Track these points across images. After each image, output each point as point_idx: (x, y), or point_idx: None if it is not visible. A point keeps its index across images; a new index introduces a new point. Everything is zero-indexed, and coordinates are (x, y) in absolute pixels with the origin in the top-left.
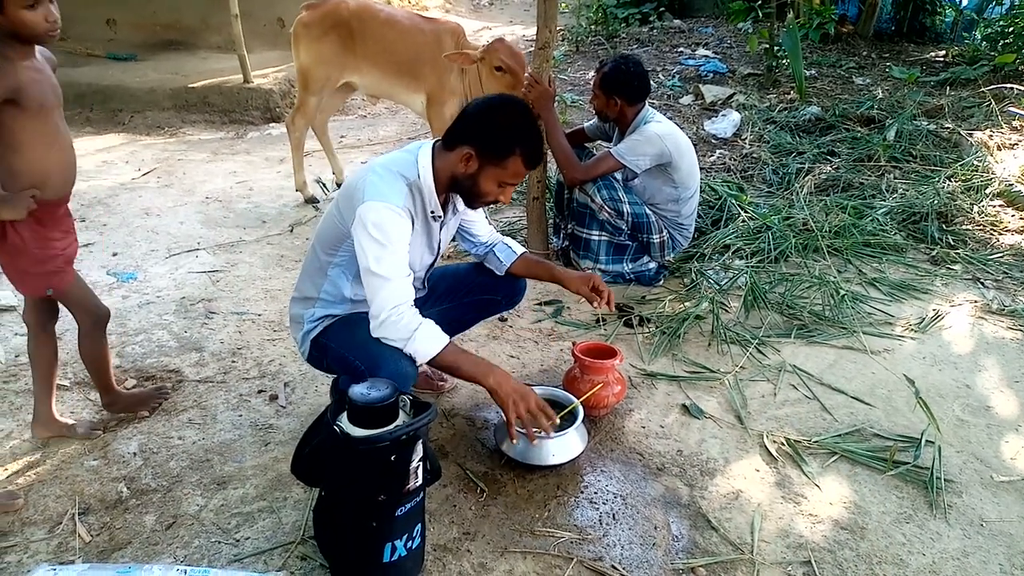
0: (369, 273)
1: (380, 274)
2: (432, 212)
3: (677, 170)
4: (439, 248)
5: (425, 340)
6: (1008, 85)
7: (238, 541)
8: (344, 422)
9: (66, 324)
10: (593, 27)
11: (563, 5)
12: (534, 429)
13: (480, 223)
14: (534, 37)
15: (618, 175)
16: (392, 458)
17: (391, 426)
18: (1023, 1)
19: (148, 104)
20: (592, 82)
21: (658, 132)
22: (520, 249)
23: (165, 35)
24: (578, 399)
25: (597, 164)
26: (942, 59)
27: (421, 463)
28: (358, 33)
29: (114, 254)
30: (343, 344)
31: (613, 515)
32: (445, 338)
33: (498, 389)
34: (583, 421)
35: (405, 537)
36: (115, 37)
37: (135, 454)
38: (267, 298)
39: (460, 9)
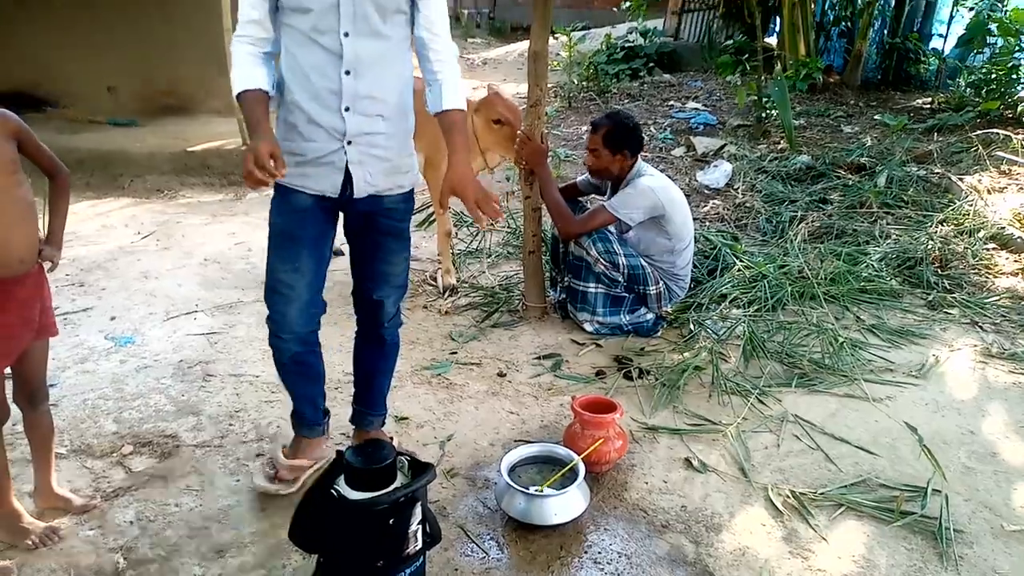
0: None
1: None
2: None
3: (671, 222)
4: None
5: (235, 81)
6: (994, 130)
7: None
8: (342, 485)
9: (63, 391)
10: (585, 83)
11: (554, 63)
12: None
13: (439, 40)
14: (526, 95)
15: (612, 228)
16: (391, 521)
17: (389, 488)
18: (1003, 49)
19: (148, 168)
20: (588, 141)
21: (651, 185)
22: (448, 105)
23: (165, 101)
24: (579, 456)
25: (591, 218)
26: (929, 106)
27: (420, 526)
28: None
29: (112, 318)
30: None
31: None
32: (245, 86)
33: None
34: (585, 478)
35: None
36: (116, 103)
37: (131, 523)
38: (265, 359)
39: None
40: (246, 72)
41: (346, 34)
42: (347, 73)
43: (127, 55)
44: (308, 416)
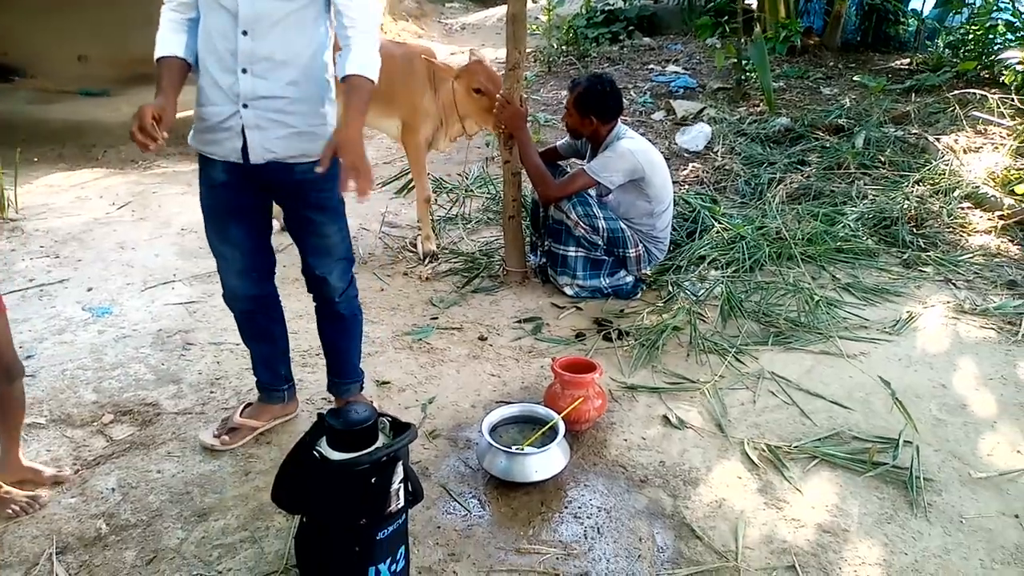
0: None
1: None
2: None
3: (650, 185)
4: None
5: (156, 48)
6: (971, 90)
7: (220, 573)
8: (323, 446)
9: (41, 362)
10: (564, 47)
11: (533, 27)
12: None
13: (353, 4)
14: (505, 59)
15: (592, 191)
16: (372, 481)
17: (371, 448)
18: (980, 10)
19: (122, 138)
20: (565, 100)
21: (630, 148)
22: (351, 70)
23: (138, 69)
24: (559, 414)
25: (571, 181)
26: (907, 67)
27: (402, 485)
28: None
29: (89, 289)
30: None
31: (598, 529)
32: (161, 52)
33: None
34: (565, 436)
35: (389, 560)
36: (87, 73)
37: (113, 489)
38: None
39: (432, 34)
40: (163, 38)
41: None
42: (244, 33)
43: (97, 23)
44: (263, 379)
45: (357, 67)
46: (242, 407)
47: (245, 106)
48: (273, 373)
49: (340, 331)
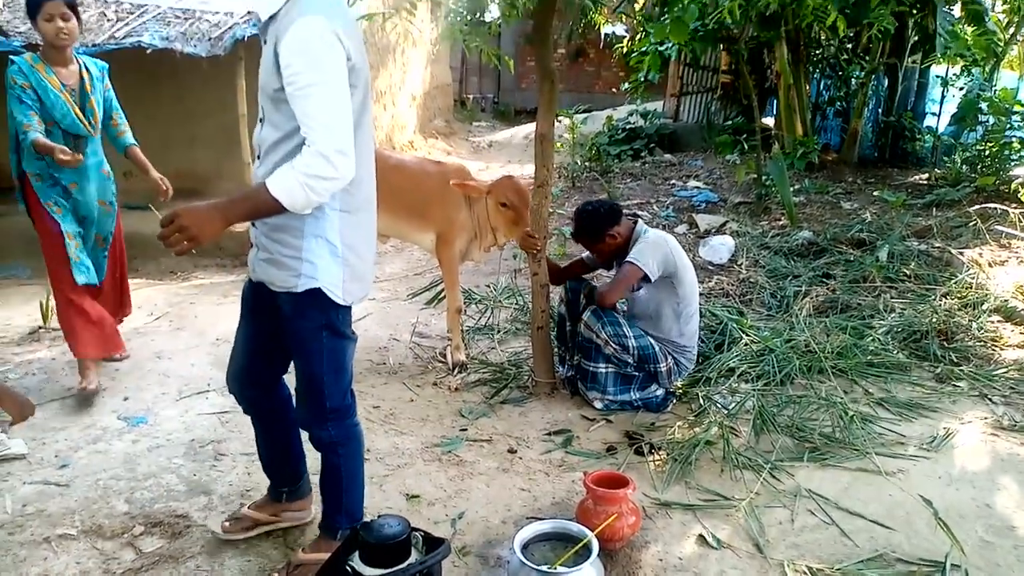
0: None
1: None
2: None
3: (681, 283)
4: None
5: None
6: (991, 204)
7: None
8: (356, 561)
9: (76, 471)
10: (588, 164)
11: (559, 144)
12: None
13: (309, 135)
14: (530, 175)
15: (621, 305)
16: None
17: (404, 564)
18: (995, 127)
19: (162, 251)
20: (587, 253)
21: (661, 237)
22: (268, 180)
23: (180, 184)
24: (592, 532)
25: (620, 280)
26: (926, 182)
27: None
28: None
29: (125, 399)
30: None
31: None
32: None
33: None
34: (598, 555)
35: None
36: (131, 188)
37: None
38: None
39: (460, 152)
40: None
41: (260, 120)
42: (257, 158)
43: (142, 142)
44: (266, 473)
45: (272, 178)
46: (254, 501)
47: (253, 225)
48: (269, 471)
49: (323, 464)
